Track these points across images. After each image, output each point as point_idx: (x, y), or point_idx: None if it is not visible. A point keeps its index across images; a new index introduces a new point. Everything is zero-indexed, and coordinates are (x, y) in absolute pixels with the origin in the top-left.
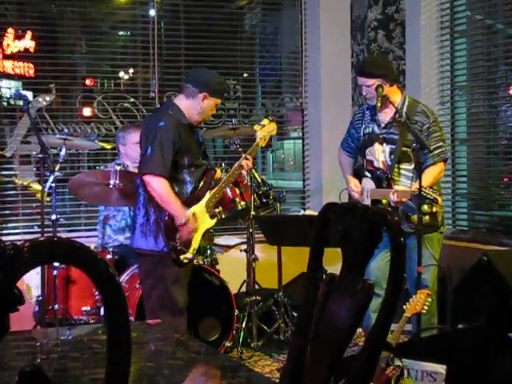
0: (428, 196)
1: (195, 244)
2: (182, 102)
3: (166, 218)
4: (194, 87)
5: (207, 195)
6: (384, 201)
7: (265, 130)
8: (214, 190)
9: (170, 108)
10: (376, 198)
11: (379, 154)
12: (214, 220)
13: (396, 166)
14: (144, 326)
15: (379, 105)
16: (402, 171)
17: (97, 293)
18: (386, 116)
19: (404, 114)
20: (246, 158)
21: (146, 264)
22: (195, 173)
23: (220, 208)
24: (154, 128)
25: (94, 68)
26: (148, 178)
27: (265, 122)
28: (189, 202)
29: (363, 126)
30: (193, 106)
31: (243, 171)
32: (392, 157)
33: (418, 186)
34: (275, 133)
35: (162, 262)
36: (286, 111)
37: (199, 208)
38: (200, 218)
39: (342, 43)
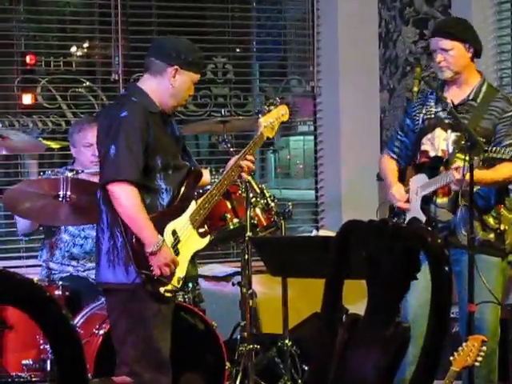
0: (502, 156)
1: (180, 272)
2: (149, 83)
3: (134, 240)
4: (160, 61)
5: (192, 206)
6: (439, 200)
7: (271, 115)
8: (201, 199)
9: (133, 94)
10: (429, 194)
11: (440, 141)
12: (206, 239)
13: (458, 156)
14: None
15: (416, 89)
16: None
17: (42, 341)
18: (455, 97)
19: (479, 98)
20: (245, 158)
21: (117, 302)
22: (173, 177)
23: (205, 227)
24: (114, 121)
25: (36, 41)
26: (114, 187)
27: (270, 107)
28: (166, 216)
29: (424, 111)
30: (162, 85)
31: (243, 174)
32: (455, 146)
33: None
34: (287, 118)
35: (137, 298)
36: (292, 98)
37: (181, 223)
38: (184, 237)
39: (366, 7)
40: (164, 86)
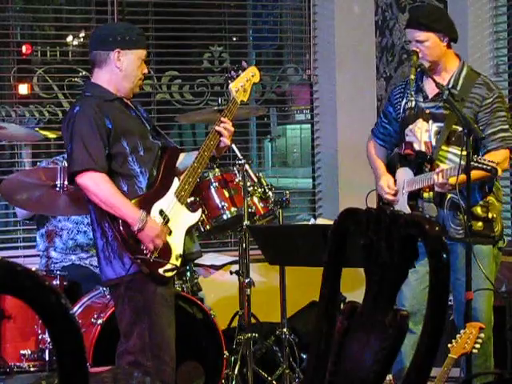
0: (483, 166)
1: (177, 249)
2: (100, 75)
3: (121, 227)
4: (101, 50)
5: (175, 183)
6: (426, 194)
7: (241, 79)
8: (184, 174)
9: (86, 90)
10: (414, 191)
11: (422, 133)
12: (198, 212)
13: (443, 148)
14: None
15: (412, 77)
16: (450, 155)
17: (40, 331)
18: (434, 86)
19: (459, 85)
20: (221, 121)
21: (119, 295)
22: (146, 158)
23: (195, 199)
24: (70, 119)
25: (32, 31)
26: (80, 180)
27: (238, 71)
28: (149, 198)
29: (404, 100)
30: (112, 73)
31: (223, 139)
32: (438, 137)
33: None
34: (258, 80)
35: (137, 287)
36: (289, 86)
37: (167, 202)
38: (173, 215)
39: None
40: (113, 72)
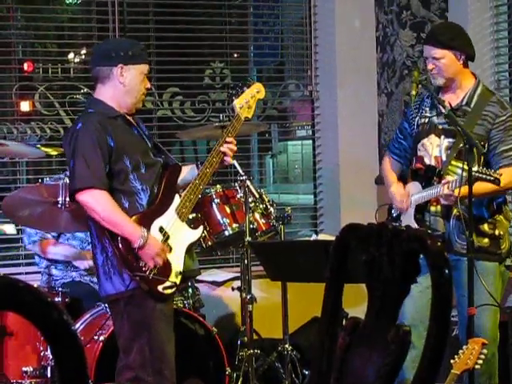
0: (486, 177)
1: (177, 266)
2: (102, 91)
3: (120, 244)
4: (104, 66)
5: (176, 200)
6: (433, 208)
7: (245, 95)
8: (185, 191)
9: (89, 106)
10: (422, 204)
11: (433, 148)
12: (199, 230)
13: (452, 163)
14: None
15: (414, 93)
16: (459, 170)
17: (42, 348)
18: (449, 102)
19: (473, 103)
20: (226, 142)
21: (118, 311)
22: (147, 175)
23: (196, 216)
24: (72, 135)
25: (33, 48)
26: (81, 197)
27: (243, 88)
28: (149, 215)
29: (418, 115)
30: (115, 88)
31: (226, 158)
32: (449, 152)
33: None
34: (263, 96)
35: (136, 303)
36: (290, 103)
37: (167, 219)
38: (173, 232)
39: (363, 11)
40: (116, 87)
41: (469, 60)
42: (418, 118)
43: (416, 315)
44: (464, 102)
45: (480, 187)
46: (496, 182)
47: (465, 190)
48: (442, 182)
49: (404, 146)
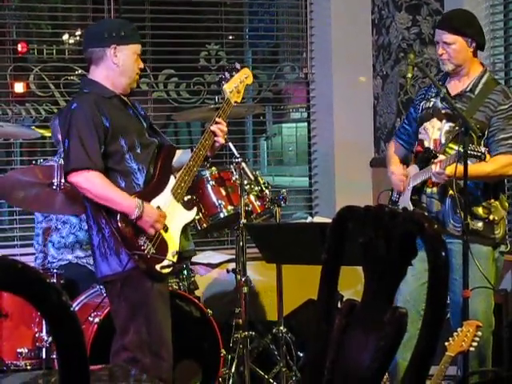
0: (474, 153)
1: (173, 246)
2: (96, 72)
3: (119, 222)
4: (97, 47)
5: (172, 181)
6: (429, 189)
7: (234, 80)
8: (180, 172)
9: (84, 86)
10: (418, 185)
11: (434, 131)
12: (193, 211)
13: (450, 146)
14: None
15: (409, 75)
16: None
17: (37, 329)
18: (454, 88)
19: (477, 90)
20: (216, 122)
21: (115, 292)
22: (143, 155)
23: (192, 197)
24: (67, 115)
25: (28, 29)
26: (74, 178)
27: (232, 73)
28: (146, 195)
29: (424, 100)
30: (109, 69)
31: (217, 139)
32: (449, 136)
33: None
34: (251, 81)
35: (133, 283)
36: (285, 85)
37: (164, 199)
38: (170, 211)
39: None
40: (110, 68)
41: (479, 49)
42: (423, 102)
43: (409, 298)
44: (468, 89)
45: (472, 168)
46: (482, 157)
47: (458, 169)
48: (435, 161)
49: (409, 132)
